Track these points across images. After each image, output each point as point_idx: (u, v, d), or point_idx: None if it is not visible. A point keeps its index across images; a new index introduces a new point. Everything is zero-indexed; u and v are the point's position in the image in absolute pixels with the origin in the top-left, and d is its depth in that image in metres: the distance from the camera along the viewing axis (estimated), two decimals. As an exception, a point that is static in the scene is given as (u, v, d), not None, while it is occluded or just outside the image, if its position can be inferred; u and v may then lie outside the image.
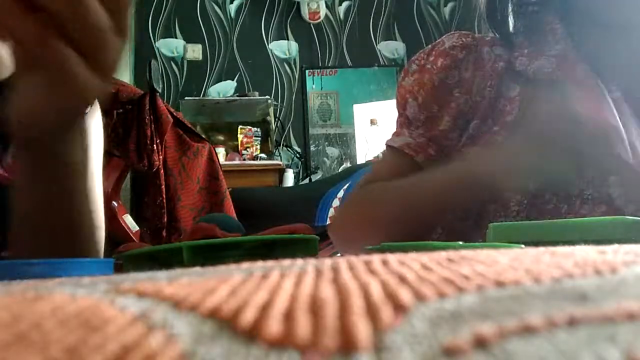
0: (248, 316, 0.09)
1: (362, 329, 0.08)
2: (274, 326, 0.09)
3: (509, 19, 0.67)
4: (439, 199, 0.57)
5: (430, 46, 0.69)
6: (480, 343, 0.08)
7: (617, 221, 0.32)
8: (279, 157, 3.61)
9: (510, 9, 0.67)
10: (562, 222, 0.36)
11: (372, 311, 0.09)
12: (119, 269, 0.37)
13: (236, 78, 3.81)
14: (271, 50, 3.89)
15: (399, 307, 0.10)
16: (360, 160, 3.44)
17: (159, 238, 2.13)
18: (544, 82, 0.61)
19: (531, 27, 0.65)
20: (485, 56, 0.66)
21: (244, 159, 3.43)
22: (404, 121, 0.68)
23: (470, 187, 0.55)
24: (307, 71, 3.91)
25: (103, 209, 0.51)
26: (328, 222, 2.45)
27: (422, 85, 0.66)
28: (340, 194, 2.32)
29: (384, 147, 0.71)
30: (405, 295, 0.10)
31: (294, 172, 3.53)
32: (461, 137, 0.65)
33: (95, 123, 0.66)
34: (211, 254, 0.36)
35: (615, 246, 0.23)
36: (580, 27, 0.62)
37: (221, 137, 3.63)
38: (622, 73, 0.60)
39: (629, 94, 0.59)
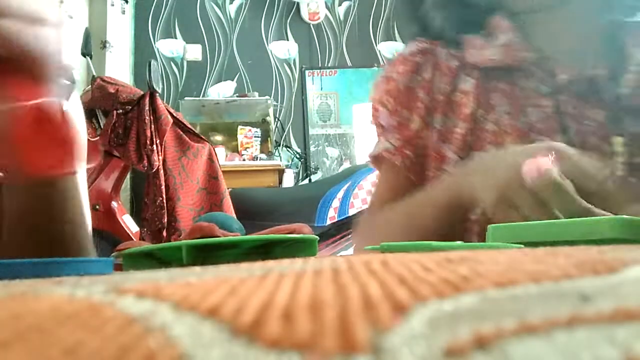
0: (247, 317, 0.09)
1: (361, 330, 0.08)
2: (273, 327, 0.09)
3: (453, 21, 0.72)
4: (435, 220, 0.58)
5: (393, 57, 0.77)
6: (480, 344, 0.08)
7: (615, 220, 0.32)
8: (279, 158, 3.61)
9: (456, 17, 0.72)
10: (561, 222, 0.36)
11: (371, 312, 0.09)
12: (118, 267, 0.37)
13: (236, 78, 3.81)
14: (271, 50, 3.89)
15: (398, 308, 0.10)
16: (360, 160, 3.44)
17: (159, 238, 2.13)
18: (493, 70, 0.66)
19: (480, 26, 0.69)
20: (442, 57, 0.71)
21: (244, 159, 3.43)
22: (380, 130, 0.73)
23: (458, 201, 0.54)
24: (306, 71, 3.91)
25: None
26: (328, 221, 2.45)
27: (389, 93, 0.71)
28: (340, 194, 2.32)
29: (369, 160, 0.77)
30: (404, 296, 0.10)
31: (293, 173, 3.53)
32: (432, 133, 0.69)
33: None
34: (210, 254, 0.36)
35: (615, 246, 0.23)
36: (524, 18, 0.66)
37: (221, 138, 3.63)
38: (568, 55, 0.63)
39: (577, 75, 0.62)
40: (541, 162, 0.43)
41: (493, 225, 0.37)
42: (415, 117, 0.69)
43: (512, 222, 0.45)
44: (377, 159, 0.73)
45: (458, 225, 0.62)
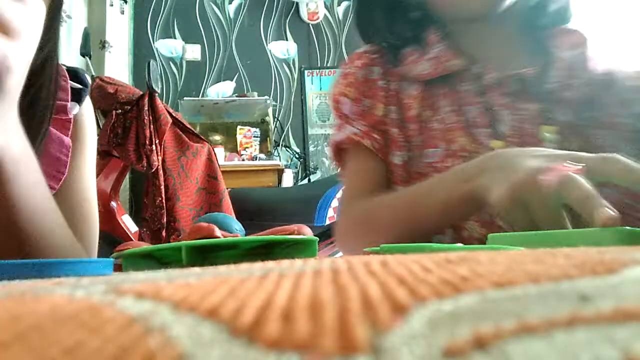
0: (247, 317, 0.09)
1: (361, 331, 0.08)
2: (272, 327, 0.09)
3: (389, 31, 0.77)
4: (443, 214, 0.57)
5: (348, 57, 0.80)
6: (479, 344, 0.08)
7: (617, 231, 0.32)
8: (278, 158, 3.61)
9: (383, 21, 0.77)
10: (562, 232, 0.36)
11: (371, 312, 0.09)
12: (118, 268, 0.37)
13: (235, 78, 3.81)
14: (270, 50, 3.89)
15: (397, 308, 0.10)
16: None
17: (158, 238, 2.13)
18: (431, 82, 0.71)
19: (415, 38, 0.74)
20: (392, 59, 0.75)
21: (243, 159, 3.43)
22: (344, 120, 0.75)
23: (475, 201, 0.52)
24: (305, 71, 3.91)
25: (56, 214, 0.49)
26: (327, 221, 2.45)
27: (349, 85, 0.75)
28: (340, 194, 2.32)
29: (330, 150, 0.77)
30: (404, 297, 0.10)
31: (293, 173, 3.52)
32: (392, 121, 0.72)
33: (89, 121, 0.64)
34: (210, 254, 0.36)
35: (614, 247, 0.23)
36: (454, 28, 0.72)
37: (220, 138, 3.63)
38: (497, 59, 0.69)
39: (506, 75, 0.68)
40: (561, 167, 0.42)
41: (492, 235, 0.38)
42: (379, 104, 0.72)
43: (522, 225, 0.44)
44: (342, 145, 0.74)
45: (463, 221, 0.63)
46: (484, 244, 0.64)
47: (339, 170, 0.80)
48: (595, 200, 0.38)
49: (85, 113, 0.67)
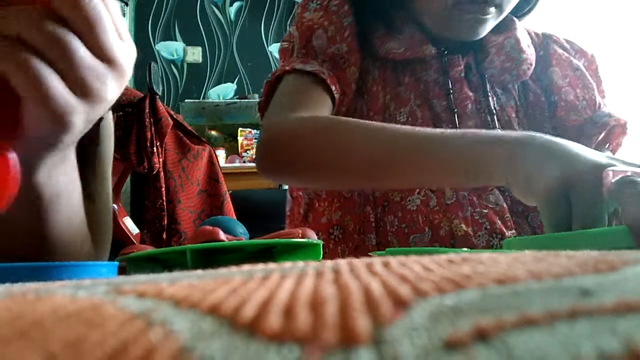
0: (248, 312, 0.09)
1: (362, 323, 0.08)
2: (273, 321, 0.09)
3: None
4: (441, 167, 0.49)
5: None
6: (480, 336, 0.08)
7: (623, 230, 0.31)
8: (279, 160, 3.60)
9: None
10: (574, 233, 0.36)
11: (372, 306, 0.09)
12: (122, 271, 0.37)
13: (236, 80, 3.81)
14: (271, 52, 3.89)
15: (399, 302, 0.10)
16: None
17: (159, 240, 2.13)
18: (399, 63, 0.68)
19: (383, 16, 0.70)
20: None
21: (244, 161, 3.43)
22: (310, 52, 0.66)
23: (480, 178, 0.46)
24: (306, 73, 3.91)
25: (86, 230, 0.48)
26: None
27: (331, 22, 0.67)
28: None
29: (284, 72, 0.66)
30: (405, 292, 0.11)
31: (294, 174, 3.51)
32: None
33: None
34: (214, 258, 0.36)
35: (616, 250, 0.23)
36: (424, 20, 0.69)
37: (221, 140, 3.63)
38: (464, 46, 0.69)
39: (464, 66, 0.68)
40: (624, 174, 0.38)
41: (507, 239, 0.37)
42: (353, 66, 0.66)
43: (557, 220, 0.41)
44: (301, 75, 0.64)
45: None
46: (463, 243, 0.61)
47: (260, 100, 0.68)
48: None
49: (108, 117, 0.66)
